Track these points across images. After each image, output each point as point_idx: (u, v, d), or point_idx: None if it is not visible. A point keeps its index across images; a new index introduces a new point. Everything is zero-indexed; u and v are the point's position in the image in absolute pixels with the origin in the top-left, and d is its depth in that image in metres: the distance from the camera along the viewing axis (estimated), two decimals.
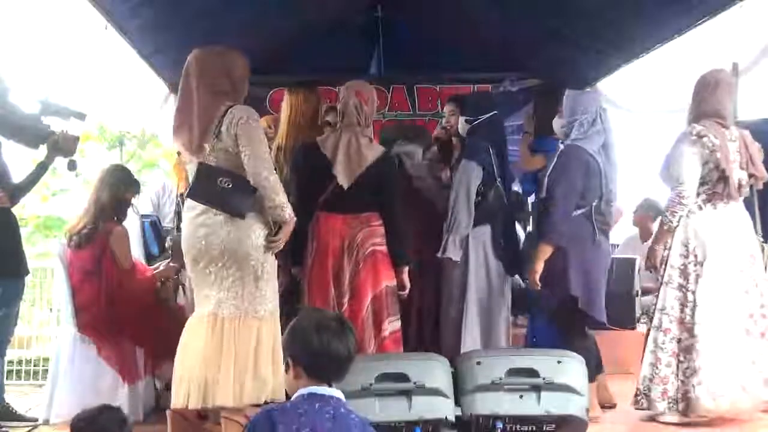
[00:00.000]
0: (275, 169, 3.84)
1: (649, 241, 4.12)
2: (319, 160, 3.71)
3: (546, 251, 3.78)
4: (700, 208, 3.78)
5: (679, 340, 3.74)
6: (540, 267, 3.78)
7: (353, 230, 3.71)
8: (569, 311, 3.81)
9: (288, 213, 3.29)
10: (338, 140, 3.73)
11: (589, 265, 3.82)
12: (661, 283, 3.81)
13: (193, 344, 3.28)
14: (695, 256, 3.74)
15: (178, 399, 3.24)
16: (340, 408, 2.05)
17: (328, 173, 3.68)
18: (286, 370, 2.13)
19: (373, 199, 3.76)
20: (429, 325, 4.16)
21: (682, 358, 3.73)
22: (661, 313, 3.77)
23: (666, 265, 3.81)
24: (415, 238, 4.03)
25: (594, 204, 3.84)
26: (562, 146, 3.94)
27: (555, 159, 3.89)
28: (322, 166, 3.69)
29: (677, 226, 3.75)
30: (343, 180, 3.67)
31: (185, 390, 3.23)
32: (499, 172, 4.06)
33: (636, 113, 5.51)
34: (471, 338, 3.99)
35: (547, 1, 4.79)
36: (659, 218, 3.94)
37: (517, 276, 4.37)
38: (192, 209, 3.35)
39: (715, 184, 3.75)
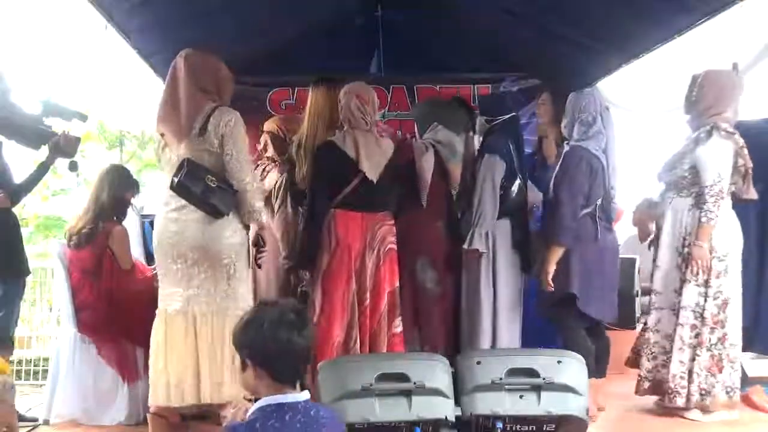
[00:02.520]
0: (295, 167, 3.92)
1: (650, 240, 4.14)
2: (342, 157, 3.77)
3: (557, 252, 3.80)
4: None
5: (699, 335, 3.76)
6: (552, 268, 3.79)
7: (373, 227, 3.80)
8: (568, 310, 3.81)
9: (264, 218, 3.36)
10: (355, 138, 3.79)
11: (590, 265, 3.83)
12: (683, 281, 3.80)
13: (168, 342, 3.31)
14: (716, 251, 3.76)
15: (156, 398, 3.29)
16: (309, 412, 1.96)
17: (352, 170, 3.75)
18: (243, 369, 2.00)
19: (389, 197, 3.87)
20: (446, 321, 4.12)
21: (712, 353, 3.75)
22: (686, 309, 3.78)
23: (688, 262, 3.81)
24: (434, 236, 4.06)
25: (597, 203, 3.85)
26: (567, 147, 3.94)
27: (560, 160, 3.91)
28: (346, 162, 3.76)
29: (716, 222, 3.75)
30: (371, 174, 3.75)
31: (164, 389, 3.28)
32: (519, 169, 4.07)
33: (636, 113, 5.51)
34: (485, 333, 3.99)
35: (547, 1, 4.79)
36: (701, 215, 3.76)
37: None
38: (167, 204, 3.38)
39: (737, 180, 3.80)
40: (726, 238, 3.78)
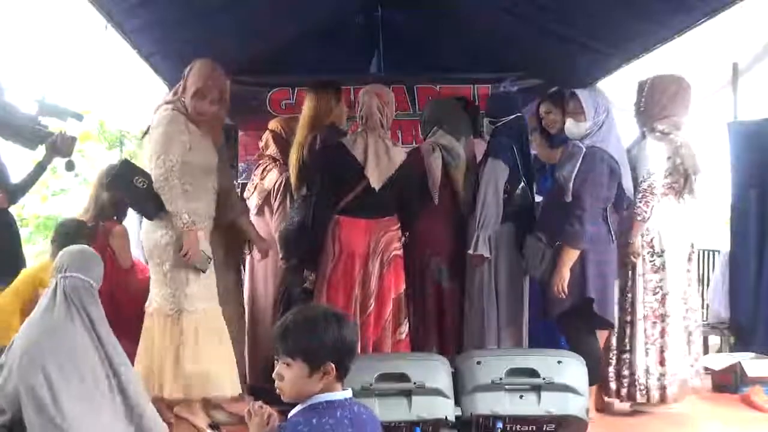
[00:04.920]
0: (296, 167, 3.92)
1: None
2: (349, 161, 3.73)
3: (573, 256, 3.68)
4: (658, 201, 3.85)
5: (645, 330, 3.85)
6: (567, 273, 3.67)
7: (377, 234, 3.76)
8: (579, 313, 3.77)
9: (181, 222, 3.26)
10: (366, 142, 3.76)
11: (604, 267, 3.77)
12: (634, 275, 3.87)
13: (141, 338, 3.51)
14: (652, 247, 3.84)
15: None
16: (353, 408, 2.00)
17: (358, 175, 3.72)
18: (311, 374, 1.94)
19: (394, 203, 3.83)
20: (449, 324, 4.11)
21: (656, 347, 3.84)
22: (634, 303, 3.86)
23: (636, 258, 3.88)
24: (441, 238, 4.06)
25: (608, 206, 3.82)
26: (582, 147, 3.76)
27: (578, 161, 3.73)
28: (352, 167, 3.72)
29: (650, 216, 3.82)
30: (374, 181, 3.71)
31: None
32: (524, 171, 4.06)
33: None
34: (491, 337, 3.99)
35: (547, 1, 4.79)
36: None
37: None
38: None
39: (677, 179, 3.84)
40: (664, 235, 3.83)
